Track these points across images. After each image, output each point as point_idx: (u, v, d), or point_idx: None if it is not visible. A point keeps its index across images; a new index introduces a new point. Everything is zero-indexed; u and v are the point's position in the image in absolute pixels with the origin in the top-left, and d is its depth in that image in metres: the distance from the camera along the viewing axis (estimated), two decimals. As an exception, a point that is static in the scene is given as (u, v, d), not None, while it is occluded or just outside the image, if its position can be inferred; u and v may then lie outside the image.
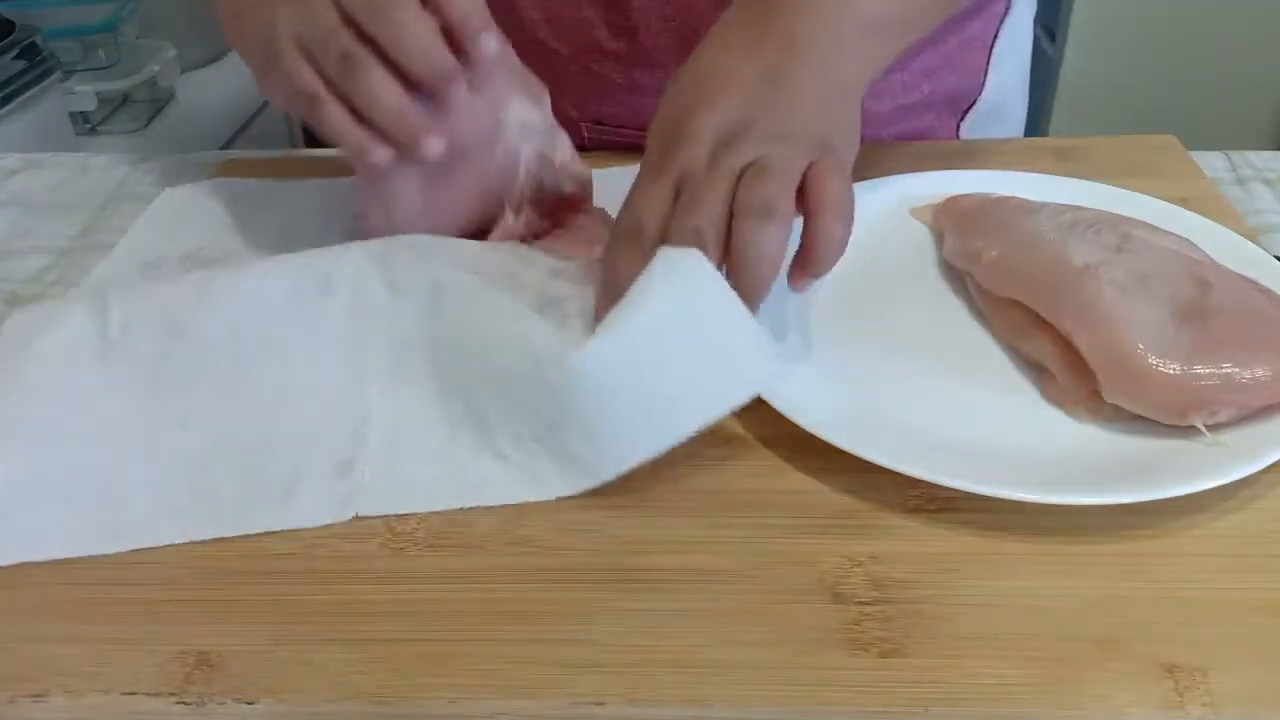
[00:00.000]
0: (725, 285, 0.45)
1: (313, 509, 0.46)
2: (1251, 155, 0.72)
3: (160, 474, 0.48)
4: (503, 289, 0.50)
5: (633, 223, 0.49)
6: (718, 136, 0.49)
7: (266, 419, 0.49)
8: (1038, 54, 2.03)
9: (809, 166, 0.48)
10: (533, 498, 0.46)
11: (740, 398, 0.45)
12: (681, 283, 0.45)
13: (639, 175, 0.51)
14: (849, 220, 0.48)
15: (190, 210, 0.68)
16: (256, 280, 0.52)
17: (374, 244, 0.53)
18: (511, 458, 0.47)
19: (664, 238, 0.48)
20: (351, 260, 0.52)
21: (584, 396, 0.45)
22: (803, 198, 0.48)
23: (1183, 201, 0.61)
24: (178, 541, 0.45)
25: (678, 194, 0.49)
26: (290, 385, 0.50)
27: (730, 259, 0.47)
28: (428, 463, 0.47)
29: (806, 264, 0.48)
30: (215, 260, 0.63)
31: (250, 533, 0.45)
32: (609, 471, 0.45)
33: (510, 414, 0.47)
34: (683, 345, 0.45)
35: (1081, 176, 0.63)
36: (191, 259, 0.63)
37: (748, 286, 0.47)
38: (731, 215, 0.47)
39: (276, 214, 0.67)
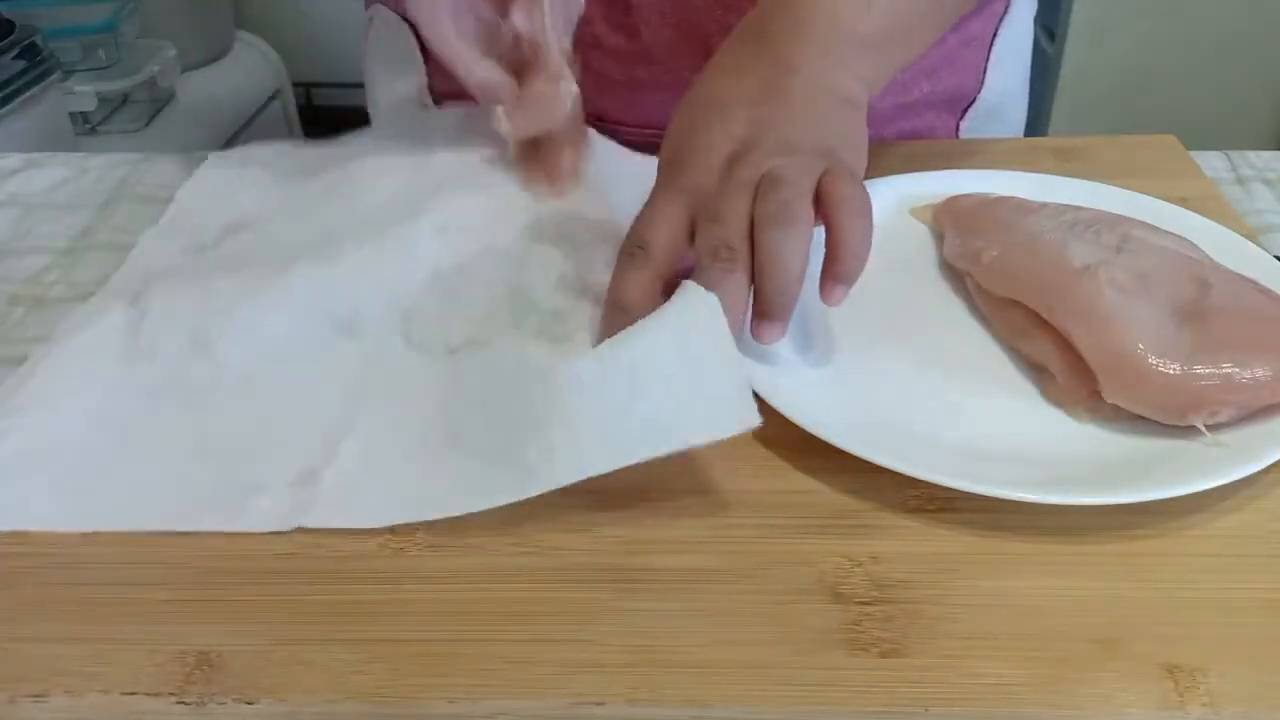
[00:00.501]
0: (727, 330, 0.45)
1: (261, 517, 0.46)
2: (1251, 155, 0.72)
3: (142, 466, 0.49)
4: (512, 343, 0.52)
5: (640, 241, 0.50)
6: (726, 154, 0.51)
7: (253, 431, 0.50)
8: (1038, 54, 2.02)
9: (821, 175, 0.49)
10: (477, 507, 0.45)
11: (704, 439, 0.43)
12: (689, 319, 0.45)
13: (649, 198, 0.52)
14: (869, 218, 0.48)
15: (232, 178, 0.70)
16: (284, 312, 0.55)
17: (402, 292, 0.56)
18: (467, 475, 0.46)
19: (670, 257, 0.49)
20: (378, 308, 0.55)
21: (558, 409, 0.45)
22: (819, 207, 0.48)
23: (1183, 201, 0.61)
24: (135, 529, 0.45)
25: (689, 215, 0.50)
26: (285, 407, 0.51)
27: (756, 270, 0.47)
28: (382, 479, 0.47)
29: (835, 268, 0.48)
30: (256, 229, 0.64)
31: (199, 530, 0.45)
32: (554, 481, 0.44)
33: (483, 428, 0.48)
34: (669, 380, 0.44)
35: (1081, 176, 0.63)
36: (234, 228, 0.65)
37: (776, 294, 0.47)
38: (752, 228, 0.48)
39: (314, 181, 0.68)
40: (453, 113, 0.71)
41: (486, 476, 0.46)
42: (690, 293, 0.46)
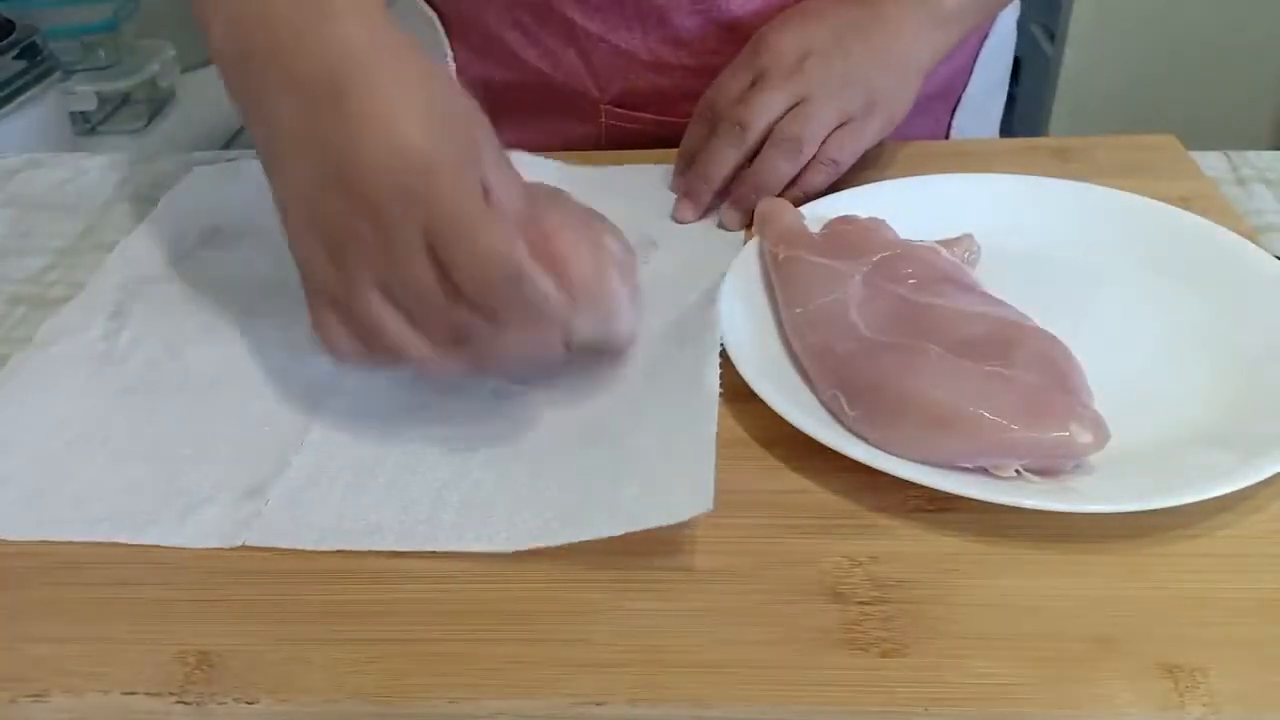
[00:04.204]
0: (715, 419, 0.46)
1: (205, 530, 0.45)
2: (1251, 155, 0.72)
3: (95, 473, 0.49)
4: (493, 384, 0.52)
5: (741, 121, 0.62)
6: (796, 54, 0.62)
7: (209, 439, 0.50)
8: (1038, 54, 2.03)
9: (838, 128, 0.61)
10: (420, 547, 0.44)
11: (660, 523, 0.42)
12: (686, 410, 0.47)
13: (728, 67, 0.64)
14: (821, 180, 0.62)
15: (215, 187, 0.70)
16: (261, 328, 0.56)
17: None
18: (415, 507, 0.46)
19: (733, 115, 0.62)
20: None
21: (531, 477, 0.46)
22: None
23: (1183, 201, 0.61)
24: (80, 539, 0.45)
25: (790, 103, 0.62)
26: (245, 415, 0.51)
27: (746, 172, 0.62)
28: (332, 502, 0.46)
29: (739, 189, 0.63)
30: (241, 249, 0.64)
31: (145, 543, 0.45)
32: (508, 544, 0.44)
33: (437, 468, 0.47)
34: (647, 473, 0.45)
35: (1081, 176, 0.63)
36: (214, 237, 0.66)
37: (745, 197, 0.62)
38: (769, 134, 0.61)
39: None
40: None
41: (437, 518, 0.45)
42: (704, 380, 0.48)
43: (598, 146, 0.72)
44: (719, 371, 0.49)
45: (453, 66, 0.78)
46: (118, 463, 0.49)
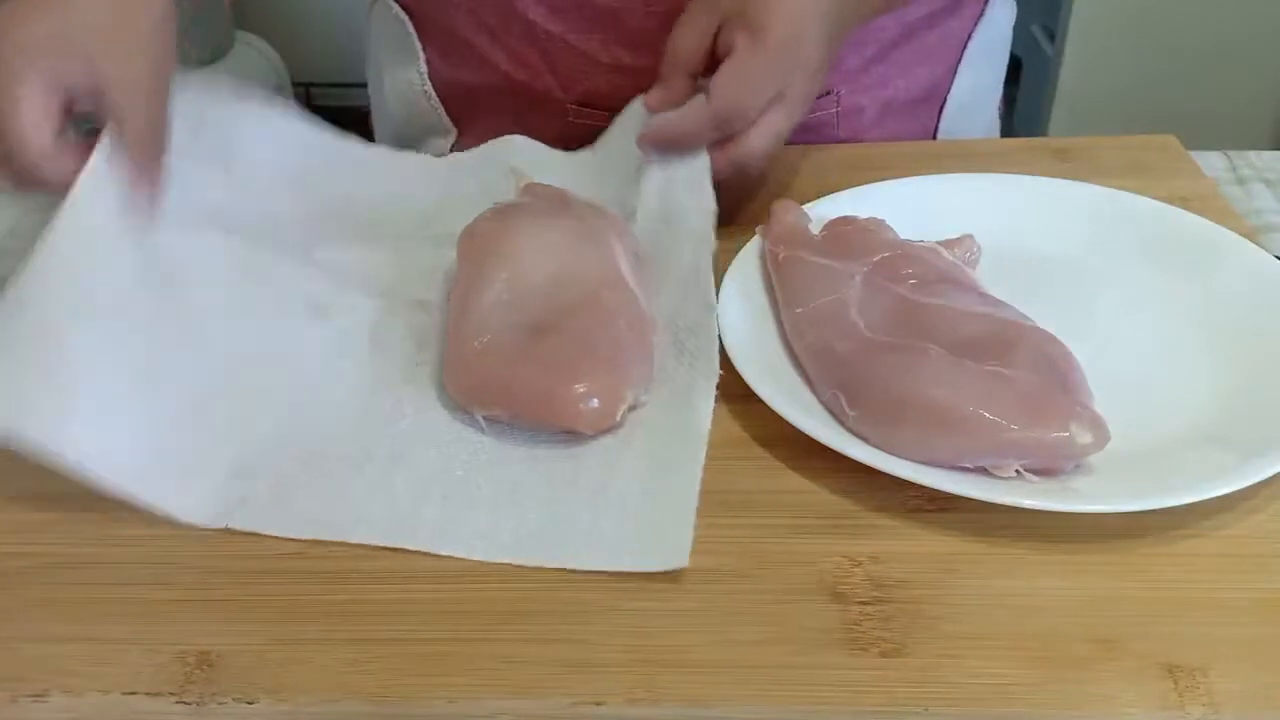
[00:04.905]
0: (701, 458, 0.46)
1: (193, 504, 0.45)
2: (1251, 155, 0.72)
3: (107, 416, 0.46)
4: None
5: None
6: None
7: (207, 401, 0.49)
8: (1038, 54, 2.03)
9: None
10: (400, 544, 0.44)
11: (632, 567, 0.43)
12: (674, 450, 0.47)
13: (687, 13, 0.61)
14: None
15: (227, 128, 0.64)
16: (268, 285, 0.55)
17: (378, 273, 0.57)
18: (399, 502, 0.46)
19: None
20: (352, 294, 0.56)
21: (515, 491, 0.46)
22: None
23: (1183, 201, 0.61)
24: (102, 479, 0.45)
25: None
26: (242, 384, 0.50)
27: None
28: (318, 490, 0.46)
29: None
30: (253, 207, 0.60)
31: (134, 499, 0.45)
32: (485, 554, 0.44)
33: (423, 463, 0.47)
34: (626, 510, 0.45)
35: (1081, 177, 0.63)
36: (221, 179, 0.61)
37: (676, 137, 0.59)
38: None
39: (328, 181, 0.66)
40: (470, 153, 0.71)
41: (419, 513, 0.45)
42: (695, 426, 0.47)
43: (564, 146, 0.72)
44: (713, 405, 0.48)
45: (425, 69, 0.79)
46: (121, 413, 0.47)
